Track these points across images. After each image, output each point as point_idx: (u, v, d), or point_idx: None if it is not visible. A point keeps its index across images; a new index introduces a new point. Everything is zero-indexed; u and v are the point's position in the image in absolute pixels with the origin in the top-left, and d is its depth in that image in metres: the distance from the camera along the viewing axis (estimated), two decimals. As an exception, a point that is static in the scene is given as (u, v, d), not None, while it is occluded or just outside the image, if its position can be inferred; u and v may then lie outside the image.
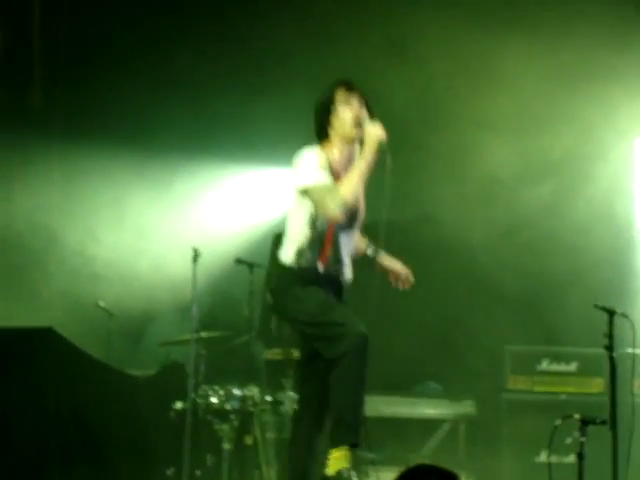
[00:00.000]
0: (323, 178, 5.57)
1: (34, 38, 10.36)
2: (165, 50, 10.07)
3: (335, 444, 5.53)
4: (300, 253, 5.66)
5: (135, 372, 8.77)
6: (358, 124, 5.67)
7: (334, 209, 5.49)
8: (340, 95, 5.73)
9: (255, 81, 9.83)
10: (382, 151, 5.60)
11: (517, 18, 8.99)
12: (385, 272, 6.05)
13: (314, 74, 9.60)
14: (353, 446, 5.55)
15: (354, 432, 5.56)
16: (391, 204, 9.64)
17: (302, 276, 5.66)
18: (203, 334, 8.39)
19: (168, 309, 10.01)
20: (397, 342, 9.29)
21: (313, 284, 5.64)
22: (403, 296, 9.43)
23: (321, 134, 5.78)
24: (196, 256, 8.17)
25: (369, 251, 6.05)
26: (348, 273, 5.83)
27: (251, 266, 8.73)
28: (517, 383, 9.03)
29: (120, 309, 9.45)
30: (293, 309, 5.69)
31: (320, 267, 5.65)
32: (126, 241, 10.19)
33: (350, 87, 5.75)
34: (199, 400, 8.05)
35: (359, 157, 5.66)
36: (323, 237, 5.65)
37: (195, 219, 10.19)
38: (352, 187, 5.53)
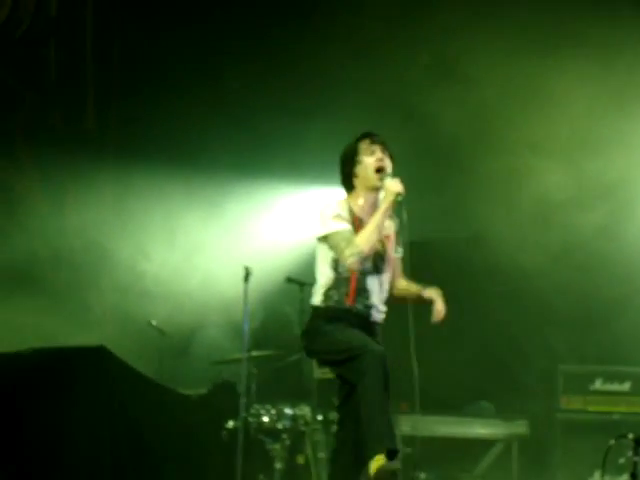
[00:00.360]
0: (341, 225, 5.78)
1: (87, 62, 10.49)
2: (216, 72, 10.18)
3: (371, 454, 5.53)
4: (327, 295, 5.86)
5: (186, 391, 8.79)
6: (380, 170, 5.87)
7: (349, 257, 5.69)
8: (364, 145, 5.95)
9: (305, 102, 9.87)
10: (399, 202, 5.80)
11: (569, 40, 8.94)
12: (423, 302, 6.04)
13: (363, 94, 9.64)
14: (392, 453, 5.51)
15: (387, 438, 5.56)
16: (443, 223, 9.69)
17: (331, 313, 5.85)
18: (254, 353, 8.41)
19: (219, 327, 10.04)
20: (450, 362, 9.27)
21: (341, 320, 5.81)
22: (456, 316, 9.48)
23: (346, 184, 6.01)
24: (247, 275, 8.20)
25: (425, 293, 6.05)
26: (378, 316, 5.94)
27: (301, 284, 8.73)
28: (570, 403, 8.95)
29: (171, 326, 9.49)
30: (320, 343, 5.87)
31: (347, 305, 5.82)
32: (177, 258, 10.24)
33: (373, 138, 5.96)
34: (251, 419, 8.08)
35: (376, 212, 5.85)
36: (348, 280, 5.85)
37: (246, 237, 10.22)
38: (367, 237, 5.71)
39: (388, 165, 5.89)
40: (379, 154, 5.89)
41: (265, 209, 10.36)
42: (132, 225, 10.24)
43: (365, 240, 5.69)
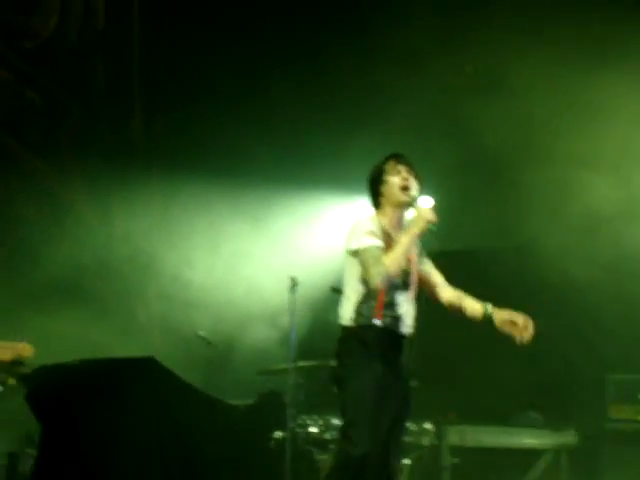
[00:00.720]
0: (373, 241, 5.85)
1: (134, 74, 10.57)
2: (263, 86, 10.22)
3: None
4: (357, 311, 5.90)
5: (233, 400, 8.79)
6: (405, 189, 5.97)
7: (375, 276, 5.74)
8: (389, 166, 6.07)
9: (350, 114, 9.90)
10: (430, 232, 5.87)
11: (617, 52, 8.87)
12: (506, 328, 6.04)
13: (409, 107, 9.63)
14: None
15: None
16: (490, 234, 9.64)
17: (361, 336, 5.87)
18: (301, 363, 8.40)
19: (264, 336, 10.04)
20: (498, 372, 9.24)
21: (370, 347, 5.82)
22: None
23: (374, 203, 6.13)
24: (294, 285, 8.20)
25: (488, 309, 6.05)
26: (406, 329, 5.96)
27: (347, 294, 8.69)
28: (620, 412, 8.89)
29: (215, 335, 9.49)
30: (342, 383, 5.92)
31: (377, 322, 5.86)
32: (222, 268, 10.26)
33: (399, 159, 6.08)
34: (298, 430, 8.07)
35: (406, 231, 5.92)
36: (377, 294, 5.89)
37: (290, 247, 10.24)
38: (395, 259, 5.78)
39: (413, 185, 6.00)
40: (404, 174, 6.00)
41: (310, 220, 10.38)
42: (177, 235, 10.29)
43: (393, 261, 5.76)
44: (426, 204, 5.90)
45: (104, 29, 10.40)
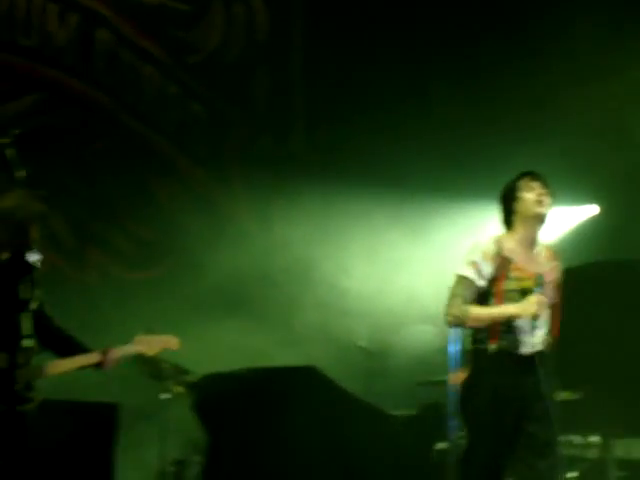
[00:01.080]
0: (469, 274, 5.75)
1: (296, 86, 10.71)
2: (425, 98, 10.22)
3: None
4: (474, 334, 5.81)
5: (394, 411, 8.80)
6: (540, 203, 5.85)
7: (449, 317, 5.73)
8: (523, 182, 5.95)
9: (512, 128, 9.86)
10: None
11: None
12: None
13: (573, 118, 9.50)
14: None
15: None
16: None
17: (476, 362, 5.80)
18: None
19: (423, 345, 10.00)
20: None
21: (485, 379, 5.72)
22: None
23: (506, 222, 6.01)
24: (454, 296, 8.13)
25: None
26: (528, 348, 5.79)
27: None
28: None
29: (373, 343, 9.53)
30: (464, 408, 5.92)
31: (491, 347, 5.74)
32: (378, 275, 10.27)
33: (533, 176, 5.97)
34: (461, 441, 8.01)
35: (507, 306, 5.72)
36: None
37: (450, 256, 10.12)
38: (478, 320, 5.70)
39: (548, 202, 5.88)
40: (539, 190, 5.88)
41: (470, 232, 10.26)
42: (335, 244, 10.34)
43: (475, 320, 5.69)
44: (540, 300, 5.66)
45: (267, 42, 10.57)
